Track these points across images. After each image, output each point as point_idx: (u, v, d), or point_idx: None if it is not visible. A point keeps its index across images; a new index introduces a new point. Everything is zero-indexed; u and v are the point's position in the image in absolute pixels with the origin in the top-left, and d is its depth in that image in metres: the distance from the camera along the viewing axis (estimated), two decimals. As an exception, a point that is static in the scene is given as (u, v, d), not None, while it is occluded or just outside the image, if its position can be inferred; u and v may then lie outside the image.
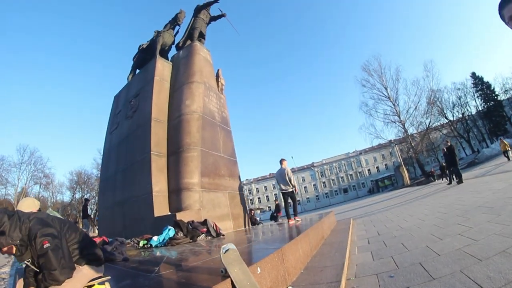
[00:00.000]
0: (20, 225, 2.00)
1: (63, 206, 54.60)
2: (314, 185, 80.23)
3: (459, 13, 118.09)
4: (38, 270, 2.07)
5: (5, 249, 1.96)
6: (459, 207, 6.60)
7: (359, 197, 63.99)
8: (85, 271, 2.27)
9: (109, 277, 2.45)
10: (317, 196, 79.56)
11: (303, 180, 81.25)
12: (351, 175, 79.27)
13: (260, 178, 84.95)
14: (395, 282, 2.87)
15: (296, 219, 9.08)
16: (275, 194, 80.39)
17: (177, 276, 2.77)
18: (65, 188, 58.87)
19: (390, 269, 3.36)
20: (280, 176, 9.43)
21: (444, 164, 15.64)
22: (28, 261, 2.06)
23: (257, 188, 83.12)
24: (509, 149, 18.22)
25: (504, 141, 18.65)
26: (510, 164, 15.45)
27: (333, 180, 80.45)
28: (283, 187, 9.29)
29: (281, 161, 9.66)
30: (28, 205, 2.78)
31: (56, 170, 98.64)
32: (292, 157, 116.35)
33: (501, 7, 1.74)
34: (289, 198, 9.40)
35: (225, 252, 2.31)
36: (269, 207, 71.85)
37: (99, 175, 53.68)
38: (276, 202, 19.80)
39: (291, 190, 9.24)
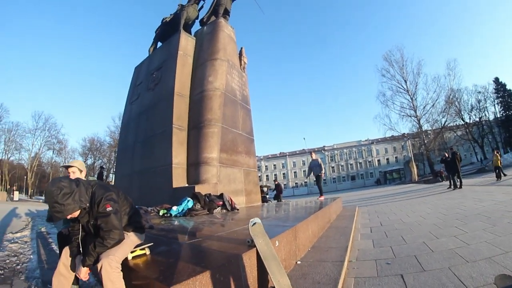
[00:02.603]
0: (85, 190, 2.20)
1: (65, 173, 55.96)
2: (323, 168, 79.80)
3: (493, 16, 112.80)
4: (87, 233, 2.33)
5: (76, 212, 2.17)
6: (460, 212, 6.93)
7: (366, 186, 64.16)
8: (132, 237, 2.48)
9: (152, 243, 2.77)
10: (324, 180, 79.50)
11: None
12: (360, 163, 78.87)
13: (270, 156, 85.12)
14: (391, 268, 3.32)
15: (321, 198, 11.20)
16: (283, 173, 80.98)
17: (207, 244, 3.17)
18: (77, 154, 60.18)
19: (388, 257, 3.81)
20: (315, 165, 12.00)
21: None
22: (88, 222, 2.29)
23: (266, 166, 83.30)
24: (502, 165, 16.85)
25: (498, 155, 16.90)
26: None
27: (342, 166, 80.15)
28: (315, 172, 11.94)
29: (311, 153, 13.21)
30: (81, 164, 3.23)
31: (70, 136, 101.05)
32: (304, 138, 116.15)
33: None
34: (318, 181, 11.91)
35: (252, 225, 2.72)
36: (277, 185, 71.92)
37: (111, 142, 55.40)
38: (276, 182, 19.99)
39: (321, 174, 11.83)
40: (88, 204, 2.21)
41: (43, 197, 47.62)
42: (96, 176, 17.80)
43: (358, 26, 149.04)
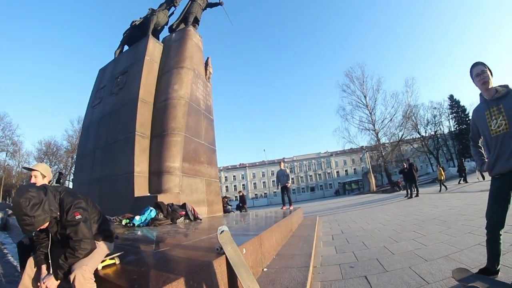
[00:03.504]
0: (54, 197, 2.07)
1: (28, 176, 52.39)
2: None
3: (450, 37, 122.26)
4: (54, 243, 2.19)
5: (46, 224, 2.05)
6: (417, 217, 7.36)
7: (325, 197, 65.47)
8: (102, 246, 2.37)
9: (122, 252, 2.68)
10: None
11: (272, 174, 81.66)
12: (319, 174, 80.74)
13: (230, 167, 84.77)
14: (355, 271, 3.45)
15: (290, 208, 11.30)
16: (243, 185, 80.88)
17: (176, 252, 3.12)
18: (32, 158, 54.86)
19: (351, 261, 3.95)
20: (282, 174, 11.96)
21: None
22: (57, 232, 2.16)
23: (226, 177, 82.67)
24: (444, 178, 18.16)
25: (441, 169, 18.54)
26: (471, 185, 16.40)
27: (301, 177, 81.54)
28: (282, 182, 11.85)
29: (280, 163, 12.65)
30: (46, 169, 2.91)
31: (25, 138, 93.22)
32: (264, 150, 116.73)
33: (472, 67, 2.65)
34: (286, 191, 11.84)
35: (221, 233, 2.72)
36: (235, 196, 71.77)
37: (69, 147, 52.52)
38: (240, 194, 20.05)
39: (288, 185, 11.79)
40: (58, 213, 2.09)
41: (-5, 204, 43.89)
42: (54, 182, 16.59)
43: (322, 39, 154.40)
